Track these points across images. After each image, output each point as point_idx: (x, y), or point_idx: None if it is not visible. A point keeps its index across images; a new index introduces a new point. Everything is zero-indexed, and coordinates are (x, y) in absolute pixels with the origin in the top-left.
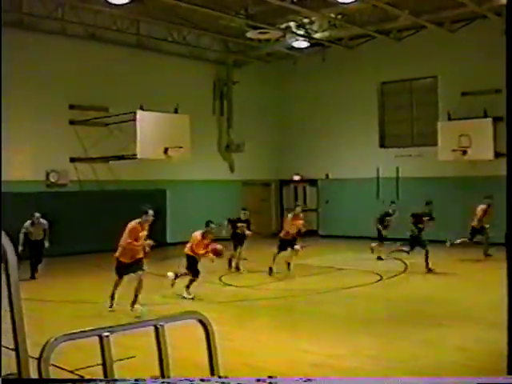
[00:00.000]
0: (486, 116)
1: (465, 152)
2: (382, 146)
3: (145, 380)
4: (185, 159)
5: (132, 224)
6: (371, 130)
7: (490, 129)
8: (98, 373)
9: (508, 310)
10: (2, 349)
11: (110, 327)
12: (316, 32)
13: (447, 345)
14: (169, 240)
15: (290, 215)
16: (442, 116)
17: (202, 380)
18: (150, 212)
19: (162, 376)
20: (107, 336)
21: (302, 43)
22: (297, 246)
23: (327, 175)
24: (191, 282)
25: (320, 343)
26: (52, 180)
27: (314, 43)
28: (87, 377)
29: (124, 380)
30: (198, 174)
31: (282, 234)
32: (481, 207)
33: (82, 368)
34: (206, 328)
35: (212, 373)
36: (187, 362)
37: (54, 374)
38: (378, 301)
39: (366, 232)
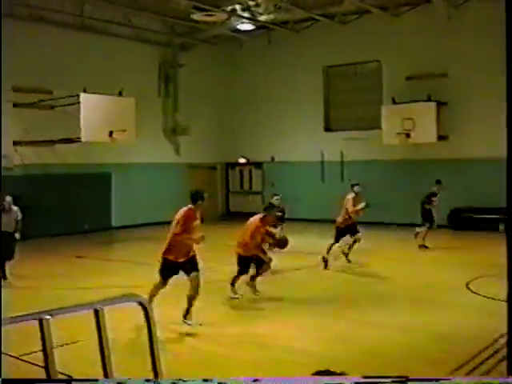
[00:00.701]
0: (429, 100)
1: (408, 135)
2: (327, 129)
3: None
4: (130, 142)
5: (184, 210)
6: (316, 113)
7: (433, 112)
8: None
9: (508, 308)
10: None
11: (51, 310)
12: (261, 15)
13: (393, 325)
14: (114, 224)
15: (349, 196)
16: (386, 100)
17: (147, 380)
18: (206, 195)
19: (102, 357)
20: (47, 319)
21: (247, 26)
22: (360, 234)
23: (273, 158)
24: (237, 277)
25: (268, 324)
26: None
27: (260, 26)
28: (32, 362)
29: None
30: (144, 157)
31: (340, 221)
32: None
33: (27, 354)
34: (146, 310)
35: (152, 353)
36: (130, 344)
37: None
38: (324, 282)
39: (310, 214)
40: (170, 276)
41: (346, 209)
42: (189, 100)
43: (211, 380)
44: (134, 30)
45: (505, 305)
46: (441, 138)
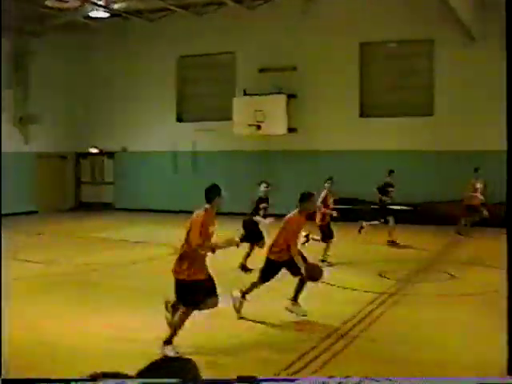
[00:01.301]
0: (280, 93)
1: (259, 127)
2: (179, 119)
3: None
4: None
5: (201, 215)
6: (169, 103)
7: (283, 105)
8: None
9: (508, 308)
10: None
11: None
12: (115, 3)
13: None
14: None
15: (322, 194)
16: (238, 91)
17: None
18: (224, 194)
19: None
20: None
21: (101, 13)
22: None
23: (124, 148)
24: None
25: (117, 317)
26: None
27: (114, 14)
28: None
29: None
30: None
31: (319, 220)
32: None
33: None
34: None
35: None
36: None
37: None
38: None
39: (163, 205)
40: (202, 302)
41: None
42: (39, 88)
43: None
44: None
45: (348, 291)
46: (291, 130)
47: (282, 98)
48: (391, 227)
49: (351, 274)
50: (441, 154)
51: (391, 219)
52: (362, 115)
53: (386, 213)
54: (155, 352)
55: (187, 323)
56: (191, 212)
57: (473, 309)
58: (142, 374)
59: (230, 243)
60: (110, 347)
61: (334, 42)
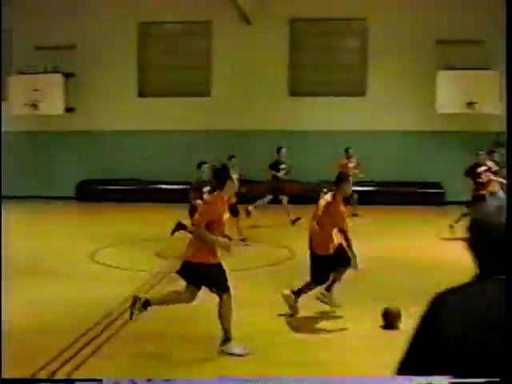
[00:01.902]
0: (57, 71)
1: (36, 106)
2: None
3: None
4: None
5: (208, 200)
6: None
7: (60, 84)
8: None
9: (506, 307)
10: None
11: None
12: None
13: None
14: None
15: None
16: (14, 70)
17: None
18: (235, 176)
19: None
20: None
21: None
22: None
23: None
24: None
25: None
26: None
27: None
28: None
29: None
30: None
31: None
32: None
33: None
34: None
35: None
36: None
37: None
38: None
39: None
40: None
41: None
42: None
43: None
44: None
45: (126, 272)
46: (68, 109)
47: (59, 77)
48: (285, 205)
49: (128, 254)
50: (221, 133)
51: (284, 198)
52: (141, 95)
53: (279, 191)
54: None
55: None
56: None
57: (246, 284)
58: None
59: (226, 247)
60: None
61: (114, 20)
